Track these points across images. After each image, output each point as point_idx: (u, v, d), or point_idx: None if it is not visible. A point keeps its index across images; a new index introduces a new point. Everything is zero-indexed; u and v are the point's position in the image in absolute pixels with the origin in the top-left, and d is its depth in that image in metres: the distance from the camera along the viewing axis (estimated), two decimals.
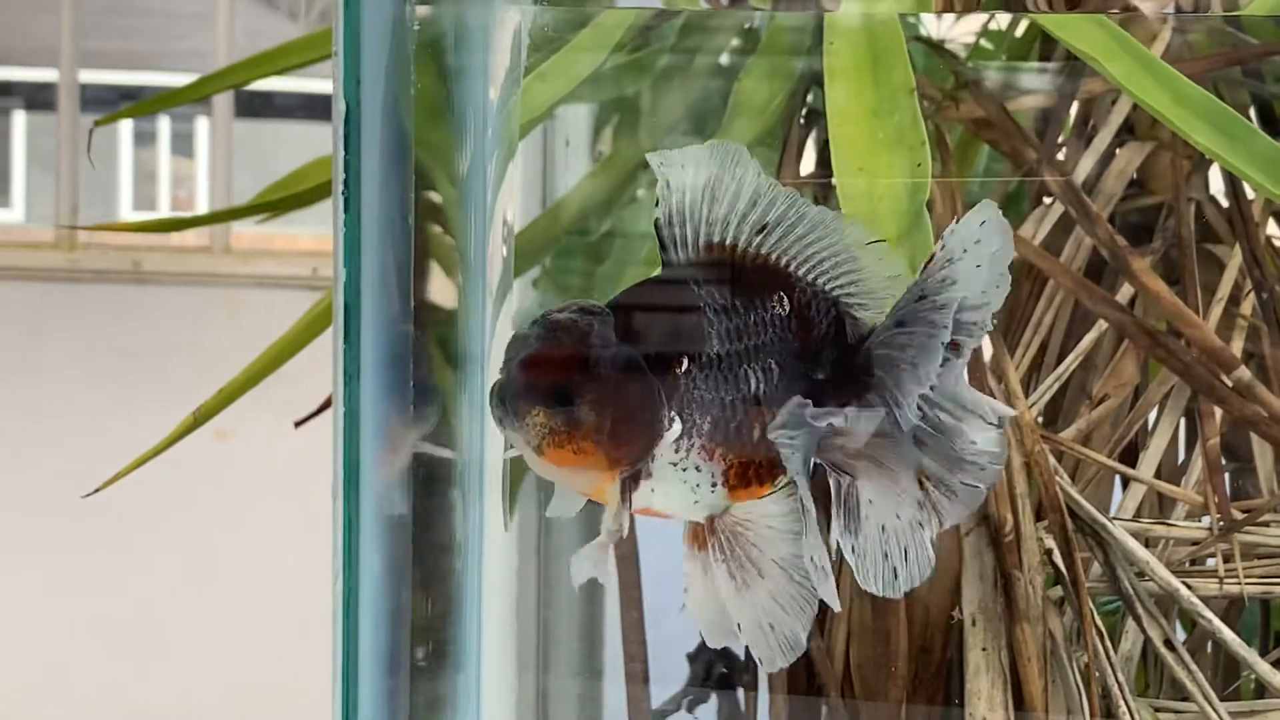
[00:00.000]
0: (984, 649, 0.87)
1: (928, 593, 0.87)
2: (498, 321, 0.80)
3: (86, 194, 2.77)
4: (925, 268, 0.62)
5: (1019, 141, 0.95)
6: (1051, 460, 0.90)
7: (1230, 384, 0.88)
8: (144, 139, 4.00)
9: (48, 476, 2.31)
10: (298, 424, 1.06)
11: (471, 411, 0.78)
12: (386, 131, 0.66)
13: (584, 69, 0.87)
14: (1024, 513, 0.88)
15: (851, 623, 0.87)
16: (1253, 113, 1.03)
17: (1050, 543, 0.89)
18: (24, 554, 2.36)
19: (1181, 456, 1.04)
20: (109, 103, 3.10)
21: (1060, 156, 1.02)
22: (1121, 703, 0.88)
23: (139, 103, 1.35)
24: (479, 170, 0.77)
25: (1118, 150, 1.02)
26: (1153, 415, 1.01)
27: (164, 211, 3.94)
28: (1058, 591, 0.91)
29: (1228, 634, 0.90)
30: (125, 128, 4.04)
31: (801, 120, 1.00)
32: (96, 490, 0.85)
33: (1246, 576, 0.92)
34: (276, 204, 1.10)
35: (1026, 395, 0.96)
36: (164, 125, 4.06)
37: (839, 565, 0.65)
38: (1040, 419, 1.00)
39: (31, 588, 2.35)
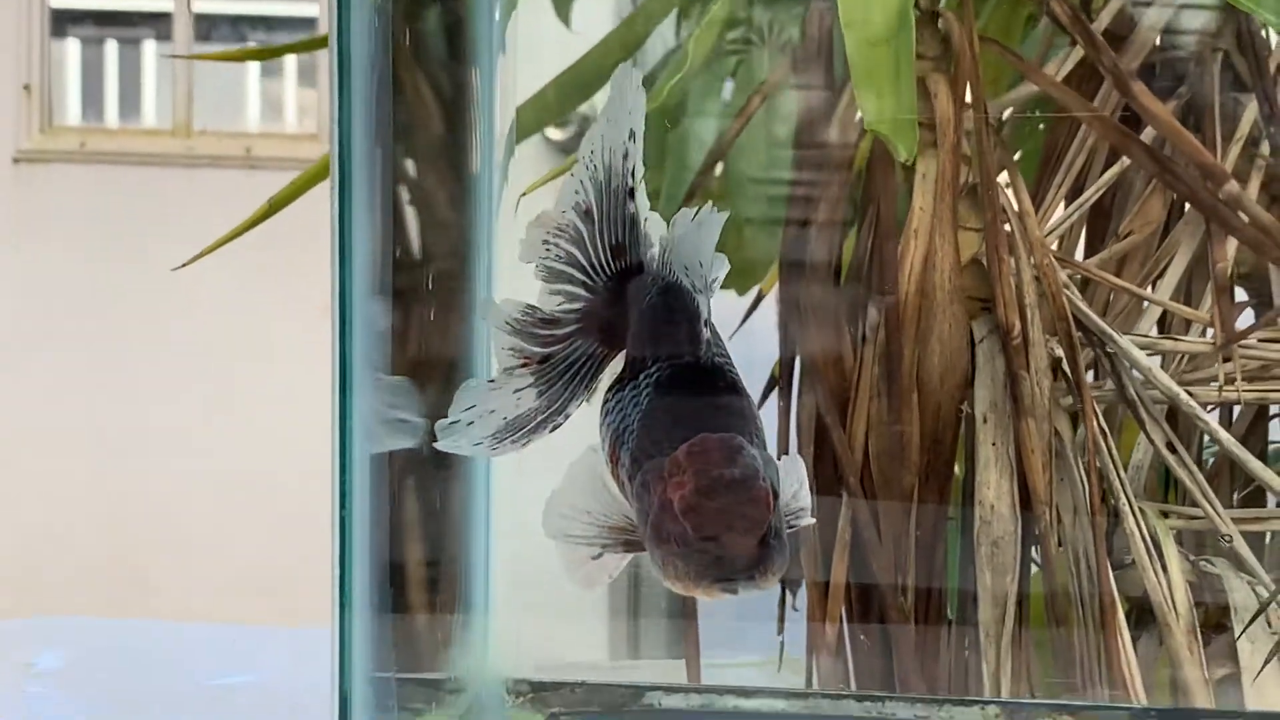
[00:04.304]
0: (993, 444, 0.95)
1: (939, 389, 0.95)
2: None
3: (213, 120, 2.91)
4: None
5: None
6: (1062, 275, 0.97)
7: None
8: (270, 69, 4.13)
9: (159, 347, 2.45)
10: None
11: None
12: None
13: None
14: (1032, 321, 0.95)
15: (870, 417, 0.95)
16: None
17: (1060, 352, 0.97)
18: (163, 429, 2.51)
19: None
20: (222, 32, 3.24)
21: None
22: (1123, 498, 0.95)
23: (264, 48, 1.43)
24: None
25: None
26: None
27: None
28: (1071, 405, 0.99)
29: (1224, 435, 0.97)
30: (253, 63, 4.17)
31: None
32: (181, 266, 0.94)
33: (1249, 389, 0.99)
34: None
35: (1054, 224, 1.03)
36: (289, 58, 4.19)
37: None
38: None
39: (160, 461, 2.49)
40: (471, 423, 0.64)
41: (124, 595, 2.77)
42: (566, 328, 0.65)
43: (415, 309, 0.83)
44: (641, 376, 0.62)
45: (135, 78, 3.26)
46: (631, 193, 0.63)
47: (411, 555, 0.80)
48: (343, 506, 0.65)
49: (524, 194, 0.86)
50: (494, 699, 0.88)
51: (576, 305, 0.65)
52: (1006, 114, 1.07)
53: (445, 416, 0.64)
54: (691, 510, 0.55)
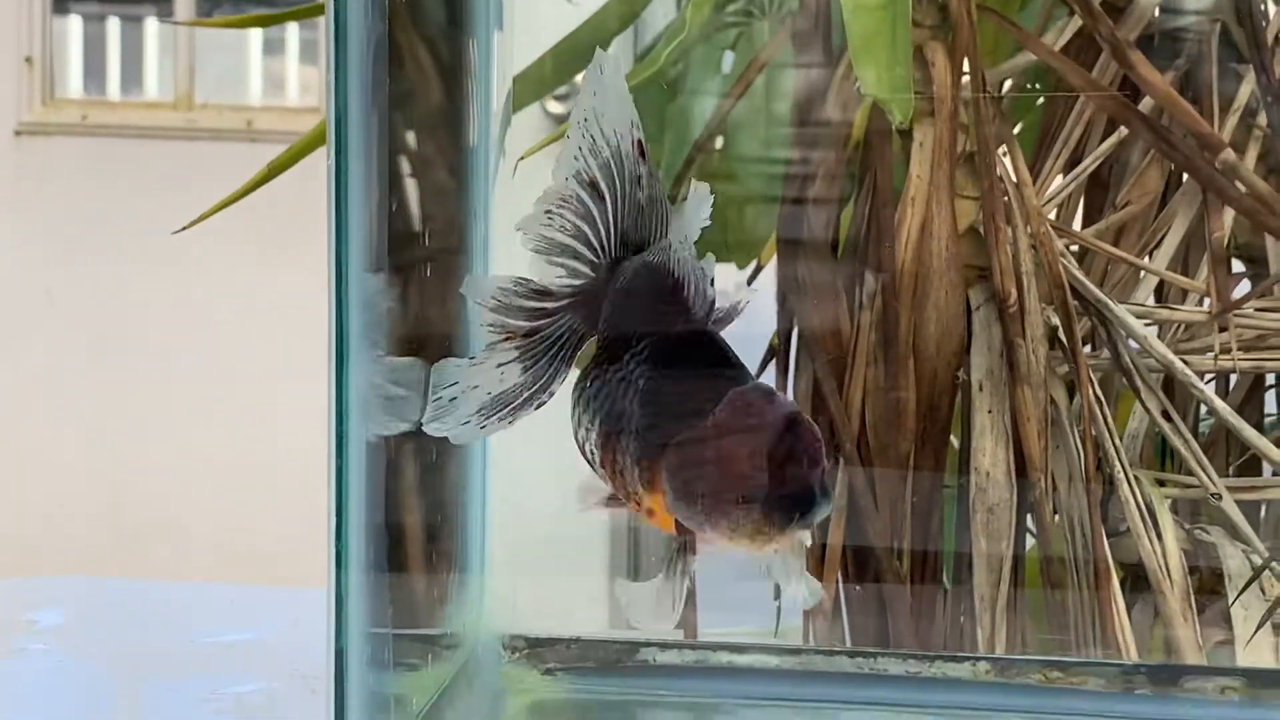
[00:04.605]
0: (989, 411, 0.95)
1: (935, 357, 0.95)
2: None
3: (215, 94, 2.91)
4: None
5: None
6: (1058, 244, 0.97)
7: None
8: (273, 46, 4.13)
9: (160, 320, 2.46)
10: None
11: None
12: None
13: None
14: (1028, 289, 0.95)
15: (866, 384, 0.95)
16: None
17: (1056, 321, 0.97)
18: (148, 395, 2.52)
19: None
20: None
21: None
22: (1118, 466, 0.96)
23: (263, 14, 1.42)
24: None
25: None
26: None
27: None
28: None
29: (1218, 403, 0.98)
30: (255, 40, 4.17)
31: None
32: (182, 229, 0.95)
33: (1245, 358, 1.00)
34: None
35: (1052, 194, 1.04)
36: (292, 31, 4.19)
37: None
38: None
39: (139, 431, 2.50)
40: (454, 398, 0.64)
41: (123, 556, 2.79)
42: (559, 301, 0.65)
43: (412, 282, 0.83)
44: (627, 356, 0.62)
45: (137, 51, 3.26)
46: (639, 180, 0.64)
47: (408, 514, 0.80)
48: (338, 464, 0.66)
49: (522, 157, 0.87)
50: (490, 654, 0.89)
51: (576, 281, 0.65)
52: (1006, 85, 1.07)
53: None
54: (764, 457, 0.57)
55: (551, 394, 0.65)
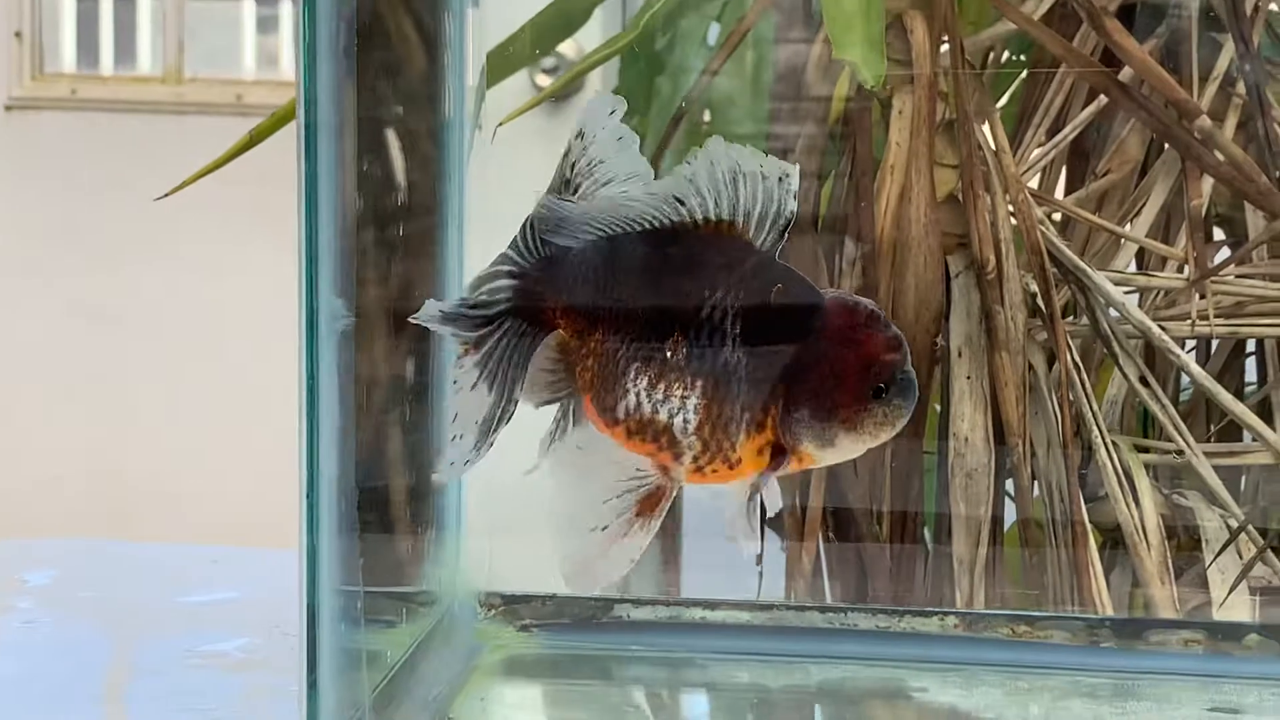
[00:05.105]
0: (968, 377, 0.96)
1: (915, 324, 0.96)
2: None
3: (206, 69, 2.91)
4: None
5: None
6: (1037, 211, 0.98)
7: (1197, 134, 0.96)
8: (266, 24, 4.12)
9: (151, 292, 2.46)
10: None
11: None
12: None
13: None
14: (1007, 256, 0.96)
15: None
16: None
17: (1035, 287, 0.98)
18: (140, 366, 2.52)
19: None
20: None
21: None
22: (1095, 431, 0.97)
23: None
24: None
25: None
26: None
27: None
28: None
29: (1195, 368, 0.99)
30: (249, 16, 4.16)
31: None
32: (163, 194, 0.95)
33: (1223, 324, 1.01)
34: None
35: (1030, 162, 1.05)
36: (286, 9, 4.18)
37: None
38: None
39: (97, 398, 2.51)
40: (460, 435, 0.65)
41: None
42: (496, 308, 0.65)
43: (385, 255, 0.84)
44: (706, 311, 0.63)
45: (129, 26, 3.26)
46: (567, 184, 0.64)
47: (381, 474, 0.81)
48: (310, 425, 0.66)
49: (501, 123, 0.88)
50: (466, 611, 0.90)
51: (503, 283, 0.65)
52: (992, 56, 1.08)
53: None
54: (879, 353, 0.62)
55: (515, 403, 0.65)
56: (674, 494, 0.64)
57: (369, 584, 0.72)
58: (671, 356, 0.63)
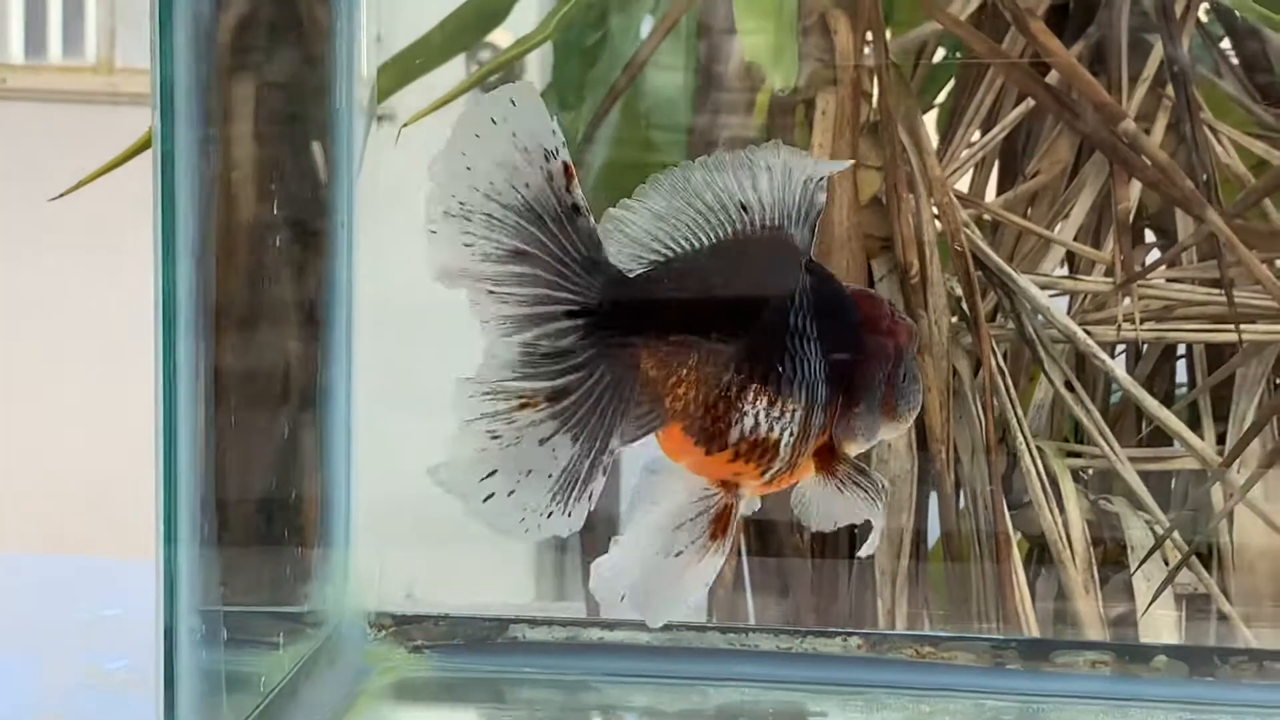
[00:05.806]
0: None
1: None
2: None
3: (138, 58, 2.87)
4: None
5: None
6: (962, 214, 0.97)
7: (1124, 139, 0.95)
8: None
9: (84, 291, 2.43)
10: None
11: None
12: None
13: None
14: (931, 259, 0.95)
15: None
16: None
17: (960, 291, 0.97)
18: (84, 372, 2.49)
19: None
20: None
21: None
22: (1019, 436, 0.96)
23: None
24: None
25: None
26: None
27: None
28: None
29: (1120, 374, 0.97)
30: None
31: None
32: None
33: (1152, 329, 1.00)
34: None
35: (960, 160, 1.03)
36: None
37: None
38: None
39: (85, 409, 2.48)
40: (512, 492, 0.56)
41: None
42: (577, 356, 0.57)
43: (262, 261, 0.81)
44: (790, 318, 0.60)
45: (70, 14, 3.22)
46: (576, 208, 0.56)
47: (253, 489, 0.79)
48: (166, 439, 0.64)
49: (406, 125, 0.85)
50: (355, 632, 0.88)
51: (567, 324, 0.56)
52: (924, 53, 1.07)
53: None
54: (902, 340, 0.64)
55: (612, 453, 0.58)
56: (739, 510, 0.61)
57: (244, 602, 0.70)
58: (783, 373, 0.61)
